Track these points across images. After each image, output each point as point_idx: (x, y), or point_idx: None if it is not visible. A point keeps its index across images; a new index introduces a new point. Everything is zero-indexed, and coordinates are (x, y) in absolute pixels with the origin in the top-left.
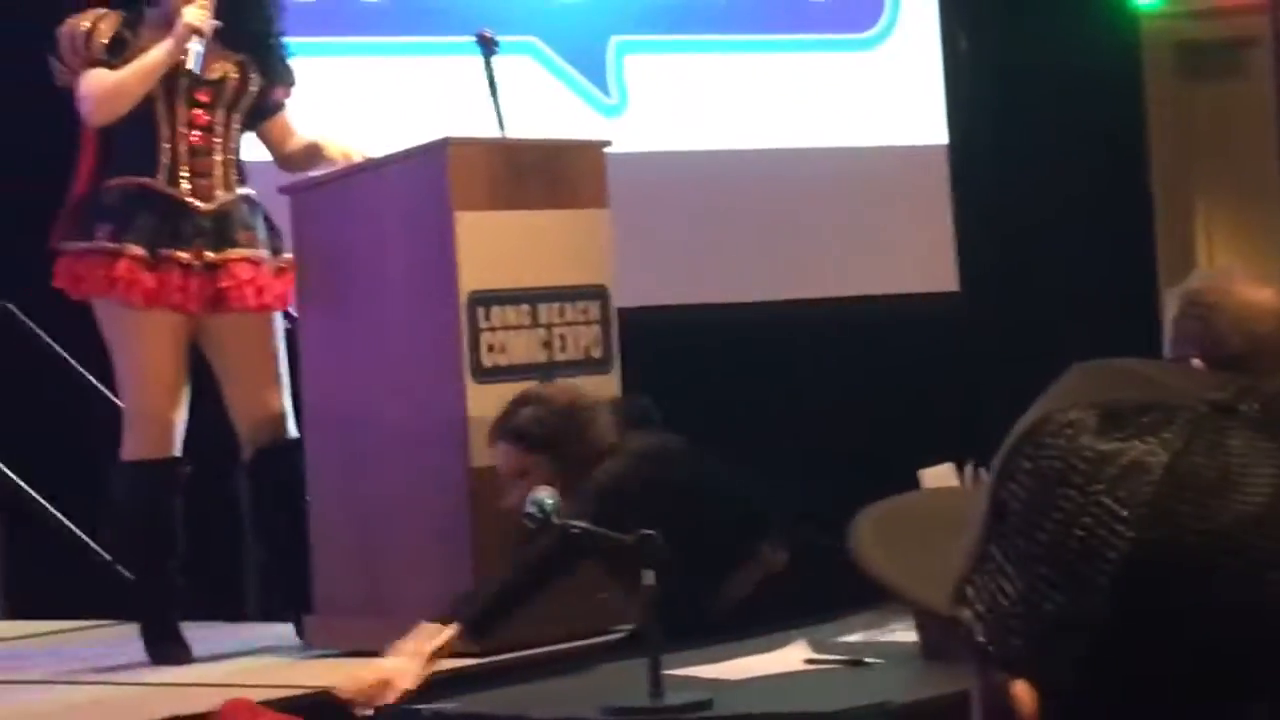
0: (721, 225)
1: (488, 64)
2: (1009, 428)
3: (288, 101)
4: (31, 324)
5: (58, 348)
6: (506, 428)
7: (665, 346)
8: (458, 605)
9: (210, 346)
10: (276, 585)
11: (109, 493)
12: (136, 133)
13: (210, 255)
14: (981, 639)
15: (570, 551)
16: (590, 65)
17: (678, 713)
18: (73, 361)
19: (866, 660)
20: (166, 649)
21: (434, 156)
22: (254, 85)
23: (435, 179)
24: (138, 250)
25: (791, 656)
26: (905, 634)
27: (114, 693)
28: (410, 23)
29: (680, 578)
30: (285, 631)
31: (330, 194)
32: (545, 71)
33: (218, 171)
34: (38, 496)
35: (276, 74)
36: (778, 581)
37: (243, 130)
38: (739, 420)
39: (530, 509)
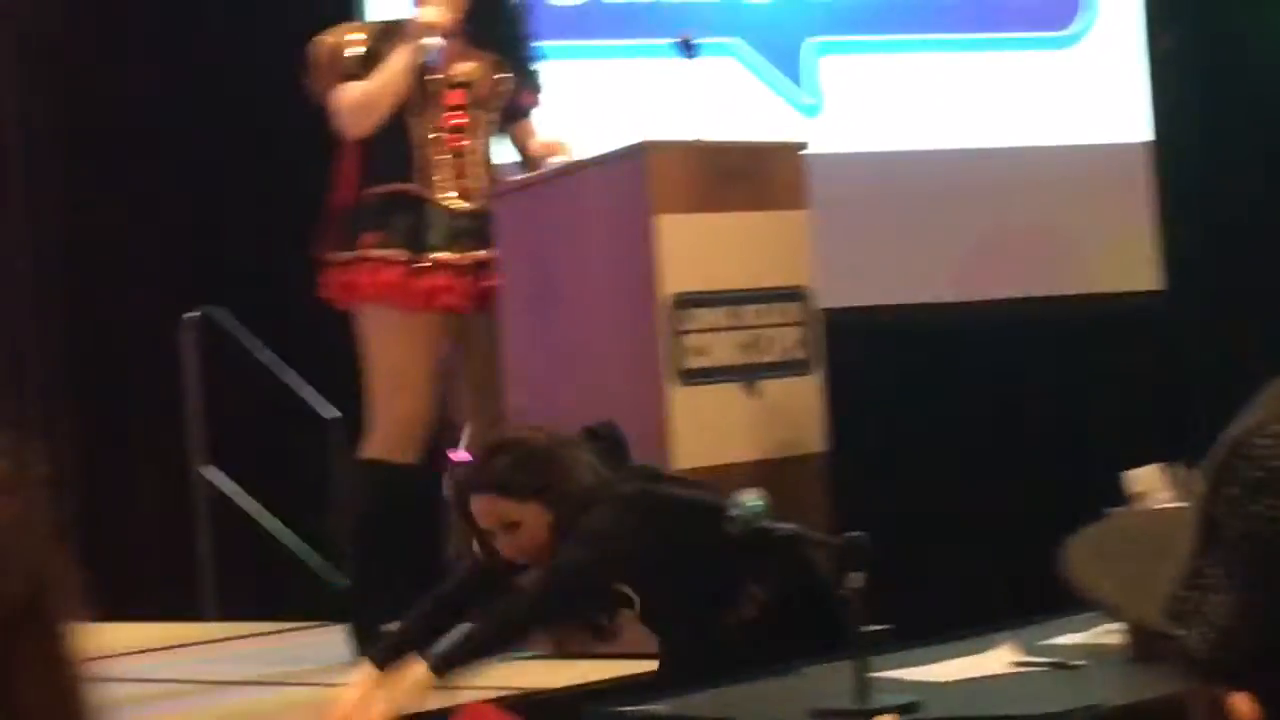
0: (920, 226)
1: (689, 67)
2: (1215, 429)
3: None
4: (232, 330)
5: (258, 352)
6: (488, 480)
7: (865, 347)
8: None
9: (465, 346)
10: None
11: (341, 488)
12: (392, 139)
13: (475, 255)
14: (1198, 653)
15: (544, 608)
16: (788, 66)
17: (884, 715)
18: (270, 366)
19: (1075, 663)
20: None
21: (634, 160)
22: (504, 85)
23: (635, 182)
24: (403, 255)
25: (999, 659)
26: (1114, 636)
27: (330, 694)
28: (611, 26)
29: (690, 616)
30: None
31: (533, 197)
32: (747, 72)
33: (473, 171)
34: (244, 499)
35: (526, 77)
36: (984, 584)
37: (496, 130)
38: (939, 420)
39: (734, 512)
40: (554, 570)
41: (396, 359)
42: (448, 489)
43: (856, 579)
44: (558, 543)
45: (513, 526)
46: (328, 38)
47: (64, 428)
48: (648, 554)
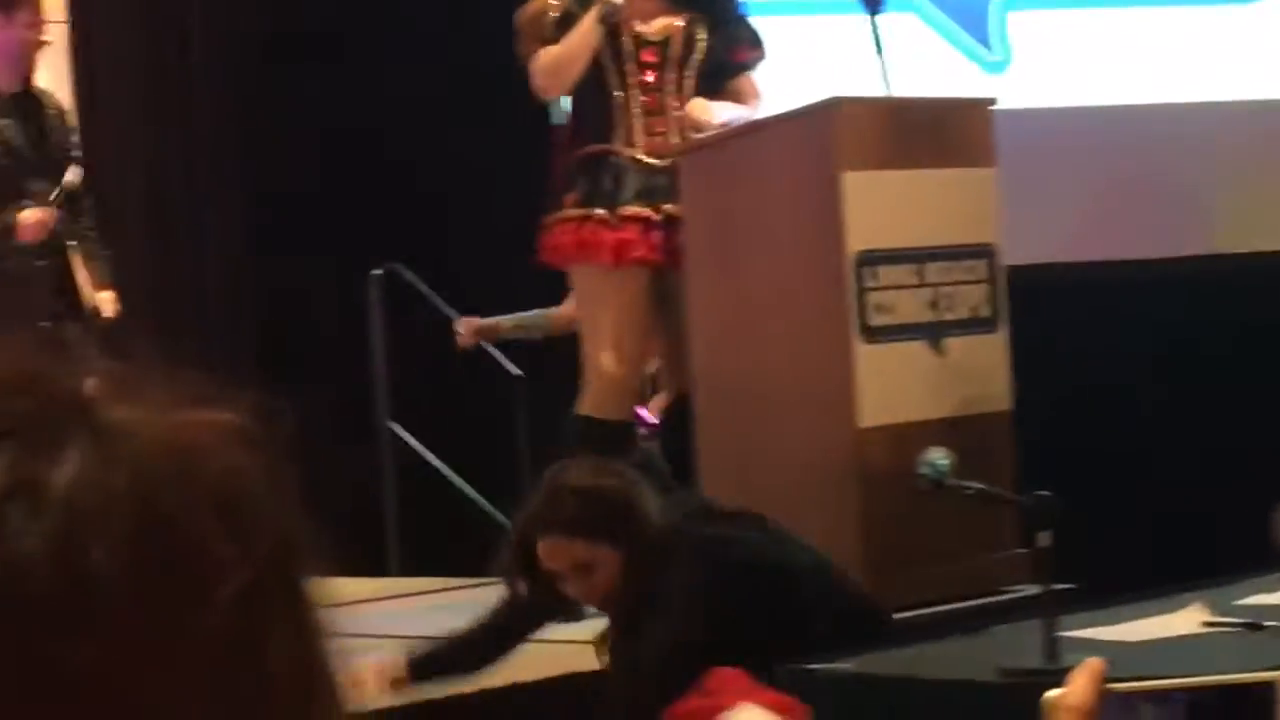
0: (1107, 181)
1: (873, 24)
2: None
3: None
4: (419, 285)
5: (444, 307)
6: (559, 521)
7: (1051, 304)
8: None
9: (663, 299)
10: None
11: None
12: (593, 100)
13: (668, 209)
14: None
15: (517, 623)
16: (974, 22)
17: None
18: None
19: (1266, 623)
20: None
21: (820, 117)
22: (701, 42)
23: (822, 139)
24: (601, 212)
25: (1189, 619)
26: None
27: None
28: None
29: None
30: None
31: (718, 155)
32: (929, 29)
33: (670, 128)
34: (430, 457)
35: (734, 33)
36: (1172, 543)
37: (699, 90)
38: (1122, 377)
39: (924, 470)
40: (673, 650)
41: (600, 317)
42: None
43: (1044, 537)
44: (625, 583)
45: (584, 568)
46: (531, 4)
47: (251, 382)
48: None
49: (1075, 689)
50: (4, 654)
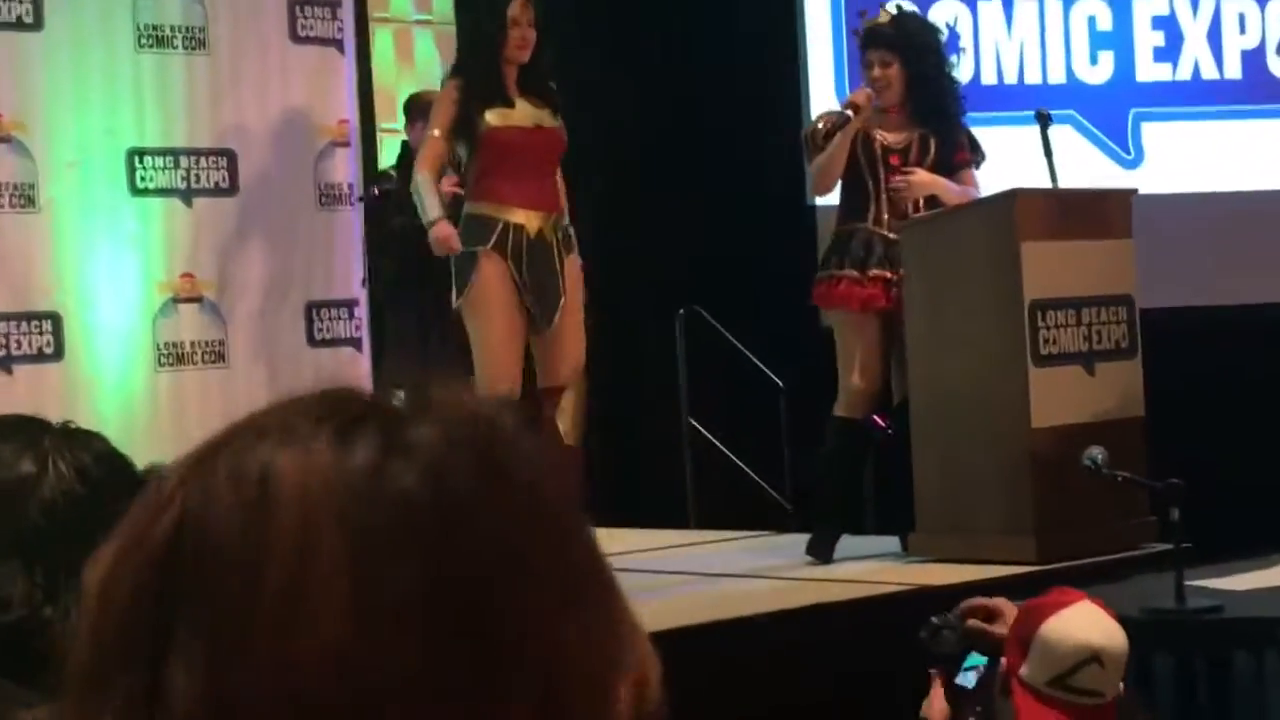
0: (1222, 244)
1: (1044, 133)
2: None
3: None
4: (716, 324)
5: (736, 343)
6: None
7: (1180, 339)
8: None
9: (891, 333)
10: (890, 508)
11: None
12: (855, 189)
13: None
14: None
15: None
16: (1114, 130)
17: (1196, 615)
18: (740, 346)
19: None
20: (821, 551)
21: (1005, 203)
22: (932, 150)
23: (1007, 218)
24: (854, 273)
25: None
26: None
27: (781, 585)
28: (978, 102)
29: None
30: (892, 543)
31: (931, 227)
32: (1080, 136)
33: (909, 211)
34: (718, 444)
35: (958, 141)
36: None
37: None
38: (1233, 394)
39: (1086, 461)
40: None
41: (852, 346)
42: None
43: (1175, 513)
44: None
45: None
46: (811, 123)
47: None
48: None
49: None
50: (408, 571)
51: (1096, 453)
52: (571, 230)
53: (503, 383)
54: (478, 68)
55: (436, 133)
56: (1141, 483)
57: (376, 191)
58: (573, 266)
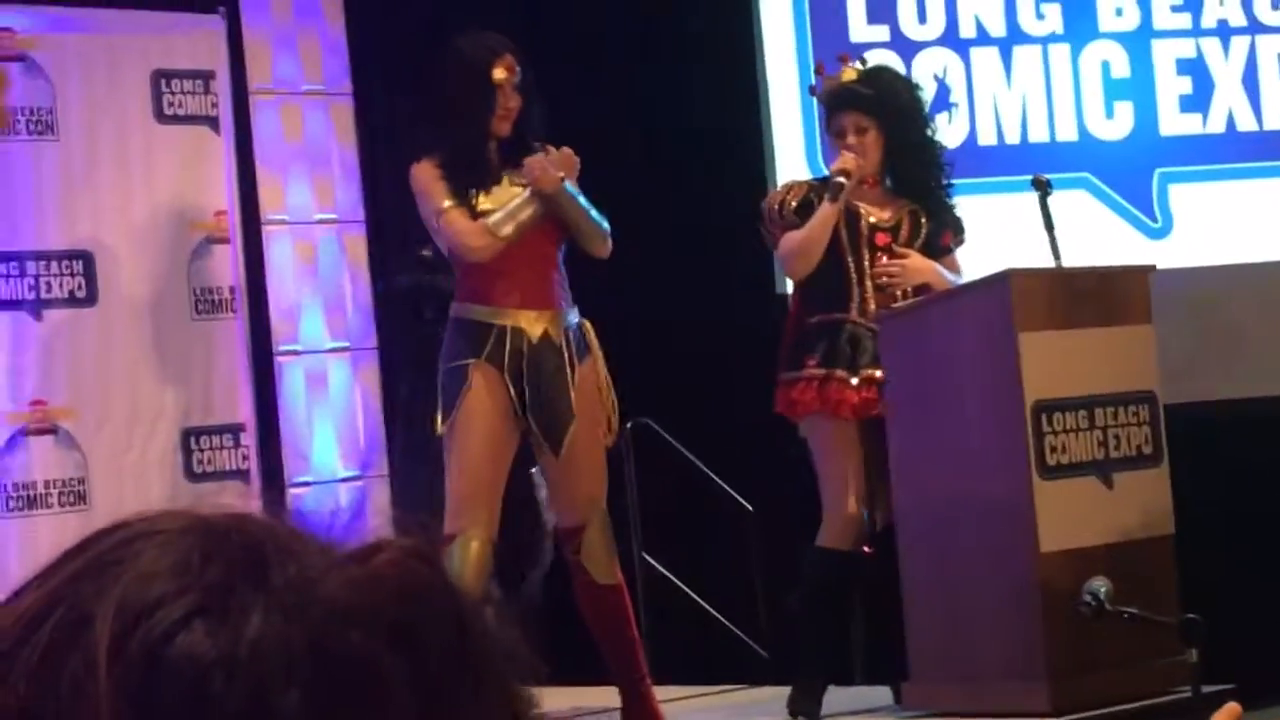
0: (1264, 325)
1: (1043, 203)
2: None
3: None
4: (667, 436)
5: (689, 455)
6: None
7: (1214, 440)
8: None
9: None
10: (880, 654)
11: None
12: (832, 275)
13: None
14: None
15: None
16: (1137, 194)
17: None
18: (700, 465)
19: None
20: (806, 708)
21: (998, 286)
22: (923, 229)
23: (1001, 305)
24: (841, 373)
25: None
26: None
27: None
28: (974, 166)
29: None
30: (883, 694)
31: (915, 318)
32: (1097, 201)
33: (896, 300)
34: (677, 581)
35: (943, 220)
36: None
37: None
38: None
39: (1086, 598)
40: None
41: (844, 464)
42: None
43: (1192, 654)
44: None
45: None
46: (773, 193)
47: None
48: None
49: None
50: None
51: (1098, 585)
52: (587, 327)
53: (477, 510)
54: (459, 149)
55: (447, 204)
56: (1153, 620)
57: (429, 253)
58: (588, 376)
